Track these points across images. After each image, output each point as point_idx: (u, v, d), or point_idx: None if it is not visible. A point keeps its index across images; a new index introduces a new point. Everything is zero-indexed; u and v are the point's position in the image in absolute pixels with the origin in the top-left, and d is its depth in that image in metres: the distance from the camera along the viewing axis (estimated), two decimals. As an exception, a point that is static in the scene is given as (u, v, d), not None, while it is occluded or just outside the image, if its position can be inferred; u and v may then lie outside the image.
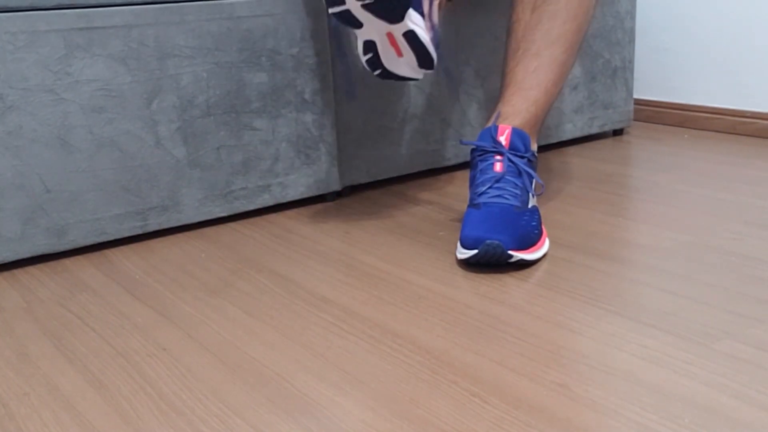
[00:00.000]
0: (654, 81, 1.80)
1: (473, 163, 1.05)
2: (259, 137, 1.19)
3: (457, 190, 1.30)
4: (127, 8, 1.05)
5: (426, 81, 1.34)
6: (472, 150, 1.06)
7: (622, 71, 1.61)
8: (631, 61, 1.62)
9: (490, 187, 1.00)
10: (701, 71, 1.70)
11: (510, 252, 0.92)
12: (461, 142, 1.04)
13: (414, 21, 1.01)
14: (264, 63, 1.17)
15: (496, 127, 1.04)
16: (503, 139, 1.03)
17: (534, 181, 1.04)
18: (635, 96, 1.82)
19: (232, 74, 1.15)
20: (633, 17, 1.59)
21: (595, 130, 1.61)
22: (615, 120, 1.63)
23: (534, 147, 1.08)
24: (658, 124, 1.78)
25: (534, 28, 1.05)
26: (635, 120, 1.82)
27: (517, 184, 1.01)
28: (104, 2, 1.04)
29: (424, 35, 1.03)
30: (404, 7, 1.00)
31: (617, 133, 1.68)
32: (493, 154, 1.03)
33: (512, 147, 1.03)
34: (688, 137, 1.63)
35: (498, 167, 1.02)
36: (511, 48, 1.09)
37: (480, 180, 1.01)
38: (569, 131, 1.56)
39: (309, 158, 1.24)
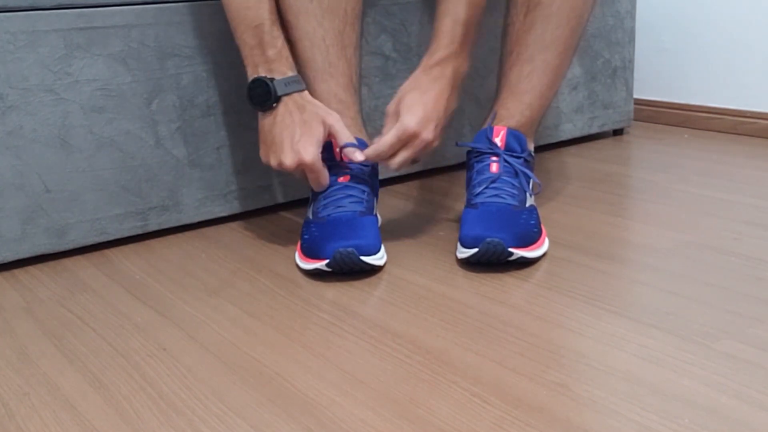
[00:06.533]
0: (654, 81, 1.80)
1: (469, 164, 1.05)
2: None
3: (457, 190, 1.30)
4: (127, 8, 1.05)
5: (426, 81, 1.34)
6: (468, 151, 1.06)
7: (622, 71, 1.61)
8: (631, 61, 1.62)
9: (486, 188, 1.00)
10: (701, 71, 1.70)
11: (510, 249, 0.91)
12: (457, 144, 1.04)
13: None
14: (264, 63, 1.17)
15: (491, 128, 1.04)
16: (499, 141, 1.03)
17: (531, 180, 1.04)
18: (635, 96, 1.82)
19: (232, 74, 1.14)
20: (633, 17, 1.59)
21: (595, 130, 1.61)
22: (615, 120, 1.63)
23: (531, 147, 1.08)
24: (658, 124, 1.78)
25: (527, 32, 1.05)
26: (635, 120, 1.82)
27: (513, 184, 1.01)
28: (104, 2, 1.04)
29: None
30: None
31: (617, 133, 1.68)
32: (488, 155, 1.03)
33: (508, 148, 1.03)
34: (688, 137, 1.63)
35: (494, 168, 1.02)
36: (506, 51, 1.08)
37: (476, 180, 1.01)
38: (569, 131, 1.56)
39: (309, 158, 1.24)
